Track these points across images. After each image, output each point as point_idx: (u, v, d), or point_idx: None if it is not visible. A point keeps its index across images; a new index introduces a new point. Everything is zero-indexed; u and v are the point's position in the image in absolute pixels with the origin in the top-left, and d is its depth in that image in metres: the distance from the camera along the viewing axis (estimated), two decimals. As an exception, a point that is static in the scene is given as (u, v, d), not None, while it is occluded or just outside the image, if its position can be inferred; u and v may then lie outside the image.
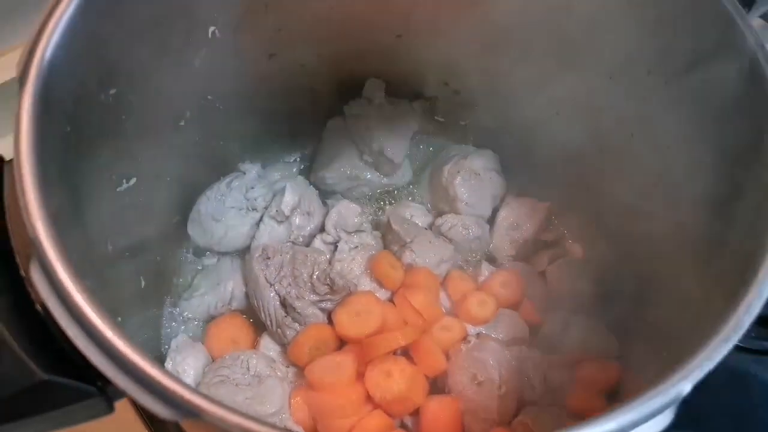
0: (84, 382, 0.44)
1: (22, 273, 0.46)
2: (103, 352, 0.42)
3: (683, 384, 0.43)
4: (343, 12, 0.79)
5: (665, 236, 0.69)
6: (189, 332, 0.80)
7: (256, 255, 0.81)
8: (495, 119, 0.89)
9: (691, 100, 0.63)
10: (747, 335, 0.89)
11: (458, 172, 0.87)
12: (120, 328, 0.43)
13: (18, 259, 0.47)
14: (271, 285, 0.79)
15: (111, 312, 0.43)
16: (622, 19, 0.68)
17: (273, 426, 0.39)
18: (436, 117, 0.94)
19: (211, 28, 0.71)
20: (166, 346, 0.79)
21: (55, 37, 0.53)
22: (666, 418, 0.43)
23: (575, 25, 0.72)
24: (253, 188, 0.85)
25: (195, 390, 0.41)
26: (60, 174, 0.52)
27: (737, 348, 0.88)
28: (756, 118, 0.57)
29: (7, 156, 0.86)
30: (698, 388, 0.83)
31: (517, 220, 0.87)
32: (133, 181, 0.70)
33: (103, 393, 0.44)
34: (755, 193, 0.53)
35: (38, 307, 0.45)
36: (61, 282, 0.43)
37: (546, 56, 0.77)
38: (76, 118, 0.57)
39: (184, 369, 0.75)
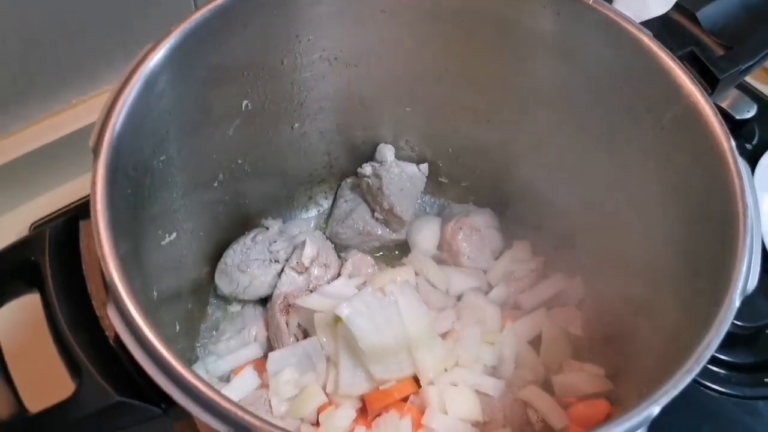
0: (151, 404, 0.52)
1: (97, 312, 0.55)
2: (170, 378, 0.50)
3: (653, 407, 0.51)
4: (358, 87, 0.89)
5: (645, 285, 0.77)
6: (216, 374, 0.88)
7: (278, 302, 0.90)
8: (493, 181, 0.99)
9: (661, 167, 0.73)
10: (729, 382, 0.97)
11: (461, 229, 0.96)
12: (182, 358, 0.51)
13: (93, 301, 0.56)
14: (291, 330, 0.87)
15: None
16: (602, 93, 0.78)
17: (312, 439, 0.47)
18: (440, 178, 1.03)
19: (245, 102, 0.82)
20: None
21: (122, 115, 0.62)
22: (638, 437, 0.51)
23: (563, 100, 0.83)
24: (275, 242, 0.93)
25: (247, 410, 0.49)
26: (124, 230, 0.61)
27: (721, 393, 0.96)
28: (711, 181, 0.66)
29: (75, 195, 0.96)
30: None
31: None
32: (174, 235, 0.78)
33: (167, 414, 0.52)
34: (714, 248, 0.62)
35: (111, 341, 0.54)
36: (134, 320, 0.51)
37: (538, 129, 0.87)
38: (135, 181, 0.66)
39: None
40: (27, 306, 0.58)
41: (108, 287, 0.53)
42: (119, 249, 0.56)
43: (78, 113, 1.07)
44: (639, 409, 0.51)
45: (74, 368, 0.52)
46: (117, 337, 0.52)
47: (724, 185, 0.64)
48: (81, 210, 0.97)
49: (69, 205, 1.05)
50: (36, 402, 0.53)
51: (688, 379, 0.52)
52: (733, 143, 0.65)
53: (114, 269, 0.54)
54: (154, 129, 0.69)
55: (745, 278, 0.57)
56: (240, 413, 0.49)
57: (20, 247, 0.58)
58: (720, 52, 0.72)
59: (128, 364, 0.52)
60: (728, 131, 0.65)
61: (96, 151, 0.60)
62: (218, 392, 0.49)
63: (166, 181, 0.74)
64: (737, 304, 0.57)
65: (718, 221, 0.63)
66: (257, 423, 0.48)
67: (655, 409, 0.51)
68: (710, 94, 0.69)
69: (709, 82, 0.71)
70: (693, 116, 0.68)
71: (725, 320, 0.56)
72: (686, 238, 0.69)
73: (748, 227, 0.60)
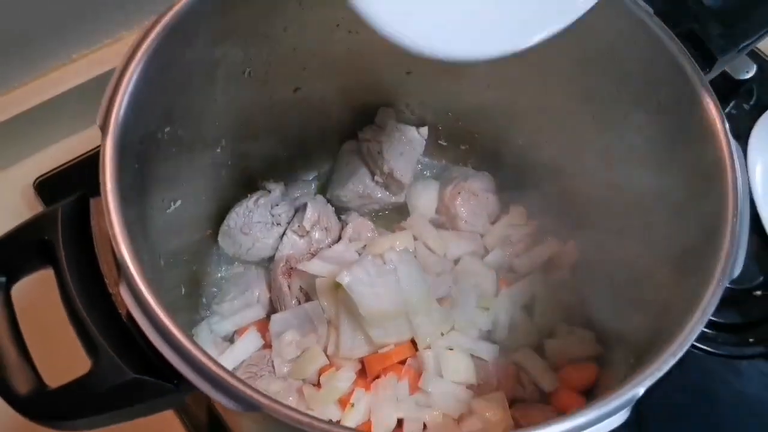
0: (163, 380, 0.55)
1: (110, 290, 0.57)
2: (180, 355, 0.53)
3: (638, 389, 0.54)
4: (360, 52, 0.89)
5: (637, 255, 0.79)
6: (220, 333, 0.91)
7: (281, 265, 0.92)
8: (492, 145, 1.00)
9: (656, 143, 0.74)
10: (715, 341, 1.01)
11: (459, 193, 0.98)
12: (191, 336, 0.54)
13: (106, 279, 0.58)
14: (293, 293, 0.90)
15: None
16: (602, 66, 0.78)
17: (316, 418, 0.50)
18: (439, 141, 1.04)
19: (247, 70, 0.82)
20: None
21: (128, 93, 0.63)
22: (624, 415, 0.54)
23: (564, 70, 0.83)
24: (277, 205, 0.95)
25: (255, 388, 0.51)
26: (131, 205, 0.62)
27: (707, 352, 0.99)
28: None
29: (79, 150, 0.99)
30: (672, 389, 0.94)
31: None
32: (178, 203, 0.80)
33: (179, 389, 0.55)
34: (704, 229, 0.65)
35: (124, 318, 0.56)
36: (145, 298, 0.53)
37: (538, 95, 0.88)
38: (142, 155, 0.67)
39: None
40: (43, 282, 0.59)
41: (119, 267, 0.55)
42: (128, 224, 0.57)
43: (78, 68, 1.07)
44: (623, 390, 0.53)
45: (90, 346, 0.54)
46: (129, 315, 0.54)
47: (716, 166, 0.66)
48: (83, 165, 1.00)
49: (72, 159, 1.06)
50: (54, 376, 0.56)
51: (672, 362, 0.55)
52: (727, 125, 0.66)
53: (125, 250, 0.55)
54: (159, 102, 0.69)
55: (732, 263, 0.59)
56: (249, 392, 0.51)
57: (32, 225, 0.59)
58: (719, 29, 0.72)
59: (141, 341, 0.54)
60: (723, 114, 0.66)
61: (104, 129, 0.61)
62: (228, 371, 0.52)
63: (171, 150, 0.75)
64: (723, 286, 0.59)
65: (709, 202, 0.65)
66: (265, 401, 0.51)
67: (640, 391, 0.54)
68: (707, 73, 0.70)
69: (707, 61, 0.72)
70: (689, 96, 0.69)
71: (710, 303, 0.58)
72: (678, 214, 0.71)
73: (738, 211, 0.62)
